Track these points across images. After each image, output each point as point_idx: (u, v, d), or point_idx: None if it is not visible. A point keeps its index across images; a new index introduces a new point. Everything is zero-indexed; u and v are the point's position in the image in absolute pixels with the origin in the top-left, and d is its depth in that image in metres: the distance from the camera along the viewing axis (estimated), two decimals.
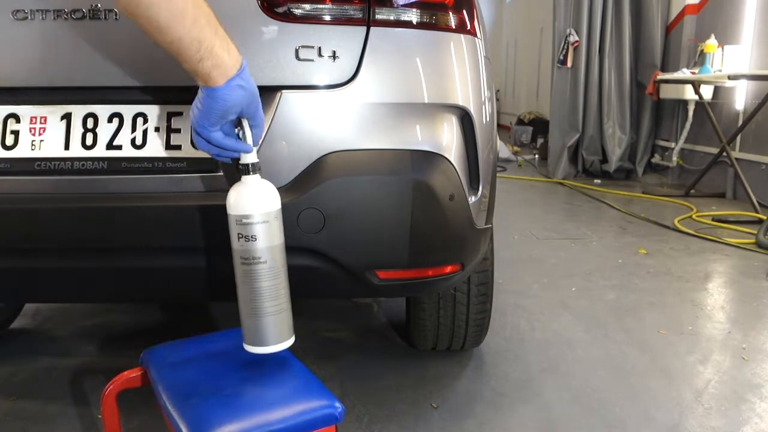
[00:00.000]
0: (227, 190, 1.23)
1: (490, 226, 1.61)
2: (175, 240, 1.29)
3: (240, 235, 1.10)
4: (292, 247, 1.28)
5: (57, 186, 1.29)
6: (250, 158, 1.13)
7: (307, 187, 1.29)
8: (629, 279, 3.01)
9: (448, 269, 1.44)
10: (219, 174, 1.32)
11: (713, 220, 4.28)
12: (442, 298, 1.84)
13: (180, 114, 1.34)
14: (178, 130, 1.33)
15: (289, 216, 1.28)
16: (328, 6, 1.32)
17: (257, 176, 1.13)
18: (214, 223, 1.19)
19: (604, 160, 6.13)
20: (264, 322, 1.12)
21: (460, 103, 1.40)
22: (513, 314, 2.51)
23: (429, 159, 1.35)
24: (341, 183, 1.29)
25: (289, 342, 1.16)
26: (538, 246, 3.60)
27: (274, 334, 1.14)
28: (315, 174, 1.30)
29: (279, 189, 1.27)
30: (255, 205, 1.10)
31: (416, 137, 1.36)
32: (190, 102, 1.29)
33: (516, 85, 11.63)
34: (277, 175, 1.31)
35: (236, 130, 1.14)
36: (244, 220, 1.09)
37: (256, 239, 1.09)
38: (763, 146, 4.88)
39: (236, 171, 1.17)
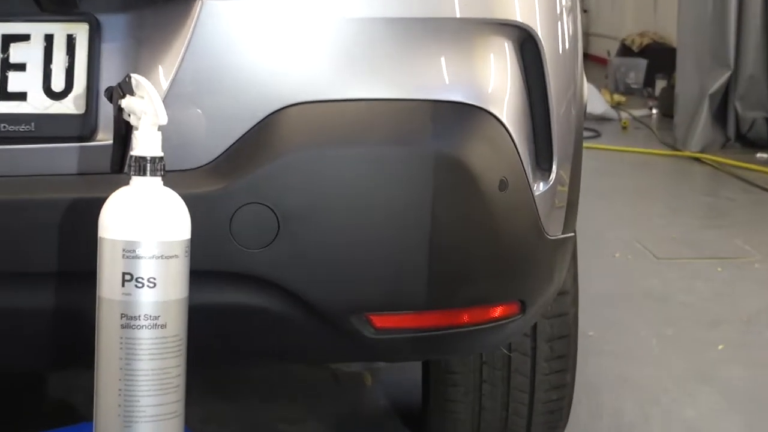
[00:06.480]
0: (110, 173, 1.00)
1: (572, 234, 1.29)
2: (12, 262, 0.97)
3: (127, 277, 0.88)
4: (221, 273, 1.00)
5: None
6: (149, 148, 0.91)
7: (247, 167, 0.99)
8: None
9: (497, 312, 1.11)
10: (95, 144, 0.99)
11: None
12: (487, 363, 1.46)
13: (26, 38, 1.04)
14: (22, 67, 1.03)
15: (217, 217, 0.98)
16: None
17: (158, 180, 0.90)
18: (88, 234, 0.92)
19: None
20: None
21: (519, 18, 1.10)
22: (613, 393, 1.96)
23: (463, 118, 1.05)
24: (308, 159, 1.00)
25: None
26: (657, 271, 2.95)
27: None
28: (262, 143, 1.01)
29: (200, 169, 1.01)
30: (157, 227, 0.89)
31: (441, 79, 1.06)
32: (39, 17, 1.01)
33: None
34: (194, 145, 1.00)
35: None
36: (138, 251, 0.88)
37: (154, 285, 0.88)
38: None
39: (118, 167, 0.97)
